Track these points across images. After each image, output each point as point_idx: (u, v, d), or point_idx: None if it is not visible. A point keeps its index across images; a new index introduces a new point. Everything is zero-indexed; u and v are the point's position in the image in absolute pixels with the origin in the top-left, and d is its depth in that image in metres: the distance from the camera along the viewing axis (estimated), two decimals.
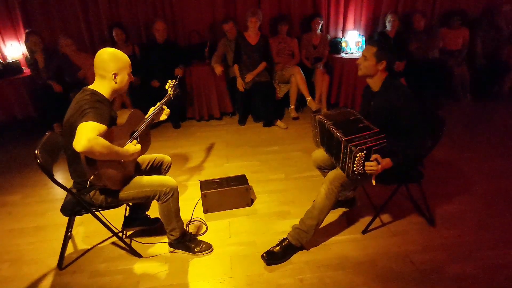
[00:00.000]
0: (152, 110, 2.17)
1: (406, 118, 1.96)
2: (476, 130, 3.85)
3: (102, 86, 1.86)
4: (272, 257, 2.12)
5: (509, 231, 2.30)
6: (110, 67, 1.83)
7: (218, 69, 4.15)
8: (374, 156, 1.88)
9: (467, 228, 2.35)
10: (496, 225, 2.37)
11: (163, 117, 2.20)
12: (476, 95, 4.64)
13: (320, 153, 2.34)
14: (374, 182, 1.93)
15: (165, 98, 2.21)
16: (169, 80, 2.29)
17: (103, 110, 1.75)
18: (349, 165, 1.90)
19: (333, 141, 2.01)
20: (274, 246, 2.16)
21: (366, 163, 1.87)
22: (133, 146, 1.91)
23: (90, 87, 1.86)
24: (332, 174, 2.09)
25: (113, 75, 1.84)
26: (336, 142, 1.97)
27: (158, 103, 2.18)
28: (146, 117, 2.10)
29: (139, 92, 4.02)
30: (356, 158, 1.86)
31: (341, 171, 2.03)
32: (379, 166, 1.88)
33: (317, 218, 2.10)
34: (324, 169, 2.38)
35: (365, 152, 1.85)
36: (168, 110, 2.21)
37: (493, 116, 4.22)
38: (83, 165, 1.69)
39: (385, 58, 2.02)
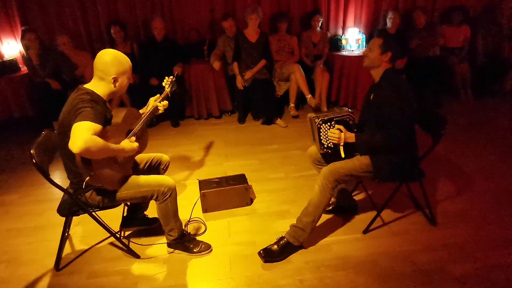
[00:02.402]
0: (150, 104, 2.13)
1: (388, 112, 1.95)
2: (477, 128, 3.82)
3: (100, 87, 1.83)
4: (269, 255, 2.10)
5: (511, 231, 2.28)
6: (110, 71, 1.80)
7: (217, 64, 4.11)
8: (337, 126, 2.09)
9: (468, 228, 2.33)
10: (498, 224, 2.35)
11: (161, 109, 2.14)
12: (477, 92, 4.60)
13: (314, 148, 2.35)
14: (343, 155, 2.09)
15: (163, 95, 2.18)
16: (166, 77, 2.26)
17: (98, 109, 1.72)
18: (317, 138, 2.15)
19: (312, 124, 2.21)
20: (271, 244, 2.14)
21: (330, 130, 2.09)
22: (129, 143, 1.88)
23: (86, 86, 1.82)
24: (326, 169, 2.08)
25: (113, 79, 1.81)
26: (312, 122, 2.19)
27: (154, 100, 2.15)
28: (143, 115, 2.06)
29: (138, 91, 3.98)
30: (321, 130, 2.12)
31: (335, 167, 2.07)
32: (342, 134, 2.05)
33: (312, 214, 2.09)
34: (318, 162, 2.38)
35: (328, 124, 2.12)
36: (166, 102, 2.16)
37: (494, 114, 4.19)
38: (78, 166, 1.66)
39: (390, 50, 2.03)
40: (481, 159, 3.18)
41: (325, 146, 2.15)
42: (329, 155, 2.18)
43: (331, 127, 2.12)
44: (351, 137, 2.06)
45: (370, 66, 2.11)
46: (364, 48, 4.54)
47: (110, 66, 1.79)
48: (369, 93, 2.20)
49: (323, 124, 2.12)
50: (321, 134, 2.13)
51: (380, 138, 2.00)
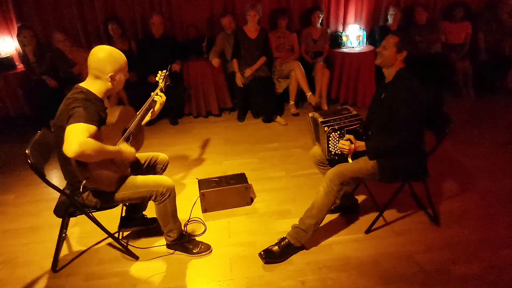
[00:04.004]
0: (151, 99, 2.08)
1: (401, 113, 1.92)
2: (479, 125, 3.79)
3: (95, 85, 1.78)
4: (270, 256, 2.08)
5: None
6: (107, 69, 1.75)
7: (216, 61, 4.07)
8: (347, 136, 2.04)
9: (471, 227, 2.30)
10: (501, 224, 2.32)
11: (157, 106, 2.07)
12: (479, 90, 4.56)
13: (318, 148, 2.31)
14: (350, 161, 2.07)
15: (157, 90, 2.12)
16: (160, 71, 2.19)
17: (92, 109, 1.67)
18: (325, 145, 2.09)
19: (317, 127, 2.15)
20: (272, 245, 2.12)
21: (340, 141, 2.04)
22: (127, 146, 1.84)
23: (81, 84, 1.78)
24: (331, 172, 2.05)
25: (110, 78, 1.76)
26: (318, 126, 2.13)
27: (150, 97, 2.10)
28: (137, 113, 2.01)
29: (136, 88, 3.93)
30: (330, 138, 2.05)
31: (341, 169, 2.03)
32: (352, 145, 2.00)
33: (316, 217, 2.06)
34: (322, 164, 2.34)
35: (338, 132, 2.05)
36: (164, 97, 2.09)
37: (496, 111, 4.15)
38: (74, 169, 1.62)
39: (406, 49, 1.99)
40: (483, 157, 3.14)
41: (333, 153, 2.10)
42: (335, 160, 2.14)
43: (341, 135, 2.06)
44: (361, 146, 2.02)
45: (383, 65, 2.06)
46: (364, 45, 4.50)
47: (105, 64, 1.74)
48: (379, 92, 2.15)
49: (333, 133, 2.05)
50: (329, 142, 2.07)
51: (390, 143, 1.96)
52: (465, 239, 2.19)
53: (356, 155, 2.06)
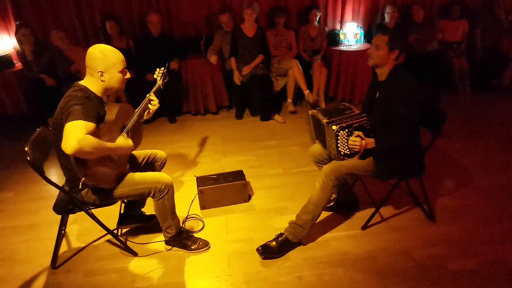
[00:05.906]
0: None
1: (399, 112, 1.93)
2: (475, 123, 3.82)
3: (92, 83, 1.80)
4: (267, 251, 2.09)
5: (509, 226, 2.28)
6: (96, 65, 1.76)
7: (214, 59, 4.08)
8: (356, 133, 1.97)
9: (467, 223, 2.32)
10: (496, 220, 2.35)
11: (152, 108, 2.06)
12: (476, 87, 4.59)
13: (317, 147, 2.32)
14: (357, 159, 2.02)
15: (155, 87, 2.12)
16: (158, 69, 2.20)
17: (90, 107, 1.69)
18: (333, 145, 2.00)
19: (321, 127, 2.09)
20: (270, 241, 2.13)
21: (350, 138, 1.97)
22: (124, 140, 1.85)
23: (80, 82, 1.80)
24: (327, 167, 2.06)
25: (99, 73, 1.77)
26: (323, 127, 2.07)
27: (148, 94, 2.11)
28: (136, 110, 2.02)
29: (134, 87, 3.93)
30: (339, 137, 1.98)
31: (337, 165, 2.04)
32: (363, 141, 1.95)
33: (312, 212, 2.07)
34: (321, 162, 2.35)
35: (346, 130, 1.96)
36: (157, 100, 2.07)
37: (493, 109, 4.18)
38: (73, 166, 1.64)
39: (398, 47, 1.98)
40: (479, 154, 3.17)
41: (342, 153, 2.01)
42: (344, 161, 2.06)
43: (349, 133, 1.98)
44: (370, 142, 1.97)
45: (376, 65, 2.04)
46: (362, 43, 4.51)
47: (95, 60, 1.76)
48: (373, 91, 2.13)
49: (341, 131, 1.96)
50: (338, 141, 1.98)
51: (392, 141, 1.95)
52: (460, 235, 2.22)
53: (363, 155, 2.01)
